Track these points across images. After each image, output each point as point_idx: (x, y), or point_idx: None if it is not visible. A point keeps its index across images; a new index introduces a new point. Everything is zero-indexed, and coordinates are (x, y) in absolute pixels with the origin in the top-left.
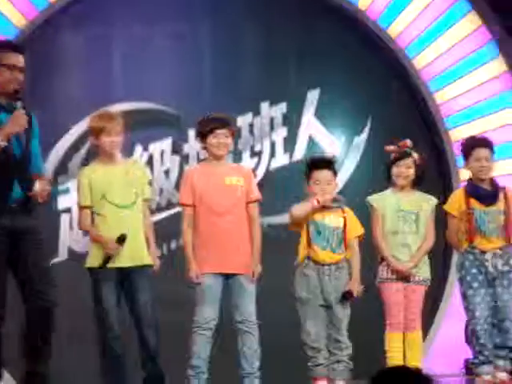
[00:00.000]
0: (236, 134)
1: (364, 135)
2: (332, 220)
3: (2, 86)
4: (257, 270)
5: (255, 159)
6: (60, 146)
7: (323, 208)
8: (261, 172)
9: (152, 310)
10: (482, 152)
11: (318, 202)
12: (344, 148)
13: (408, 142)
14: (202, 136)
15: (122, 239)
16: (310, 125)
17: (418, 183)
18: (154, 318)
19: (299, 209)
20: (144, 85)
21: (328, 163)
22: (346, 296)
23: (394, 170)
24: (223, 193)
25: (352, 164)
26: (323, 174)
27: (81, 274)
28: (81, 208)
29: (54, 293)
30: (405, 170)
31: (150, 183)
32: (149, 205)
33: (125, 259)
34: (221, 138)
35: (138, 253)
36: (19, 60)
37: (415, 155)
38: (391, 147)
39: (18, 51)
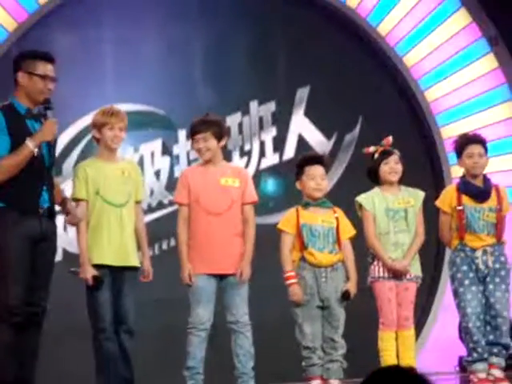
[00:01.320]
0: (226, 133)
1: (355, 133)
2: (325, 221)
3: (34, 95)
4: (246, 272)
5: (245, 159)
6: None
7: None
8: (251, 171)
9: (133, 315)
10: (475, 148)
11: None
12: (335, 146)
13: (390, 139)
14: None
15: (98, 281)
16: (300, 123)
17: (402, 179)
18: (132, 323)
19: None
20: (134, 86)
21: (321, 160)
22: (344, 296)
23: (385, 167)
24: (218, 193)
25: (343, 162)
26: (318, 170)
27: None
28: (75, 200)
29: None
30: (395, 165)
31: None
32: (141, 207)
33: (113, 258)
34: (199, 143)
35: (126, 253)
36: (51, 69)
37: (397, 151)
38: (371, 148)
39: (49, 60)
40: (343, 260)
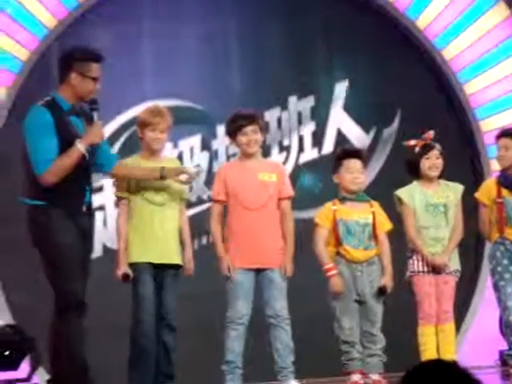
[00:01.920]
0: (265, 129)
1: (393, 127)
2: (361, 216)
3: (83, 95)
4: (289, 267)
5: (284, 154)
6: None
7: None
8: (289, 166)
9: (174, 311)
10: (500, 141)
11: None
12: (374, 141)
13: (431, 133)
14: (231, 134)
15: (128, 278)
16: (339, 118)
17: (442, 174)
18: (173, 319)
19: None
20: (172, 82)
21: (359, 153)
22: (381, 291)
23: (425, 162)
24: (256, 189)
25: (382, 156)
26: (355, 163)
27: (115, 270)
28: (118, 199)
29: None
30: (436, 160)
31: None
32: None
33: (155, 256)
34: (250, 135)
35: (169, 251)
36: (100, 69)
37: (439, 146)
38: (412, 142)
39: (100, 61)
40: (380, 254)
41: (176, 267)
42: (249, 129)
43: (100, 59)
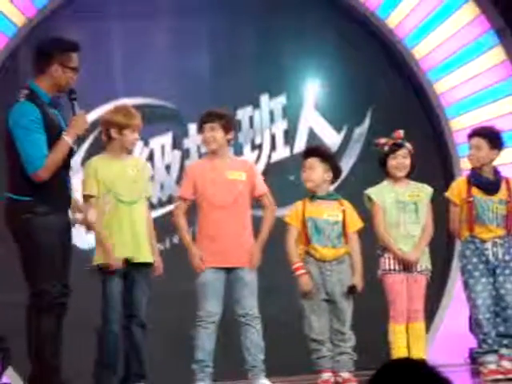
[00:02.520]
0: (234, 127)
1: (364, 126)
2: (331, 215)
3: (63, 86)
4: (256, 256)
5: (256, 152)
6: None
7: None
8: (261, 165)
9: (145, 309)
10: (472, 140)
11: None
12: (345, 140)
13: (401, 132)
14: (199, 132)
15: (127, 261)
16: (310, 117)
17: (411, 173)
18: (144, 316)
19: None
20: (143, 80)
21: (314, 151)
22: (351, 290)
23: (392, 161)
24: (225, 187)
25: (353, 155)
26: (308, 162)
27: (85, 270)
28: (85, 197)
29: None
30: (403, 160)
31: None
32: (148, 203)
33: (126, 254)
34: (207, 133)
35: (140, 249)
36: (78, 60)
37: (408, 145)
38: (382, 140)
39: (78, 50)
40: (350, 253)
41: (147, 265)
42: (206, 126)
43: (78, 48)
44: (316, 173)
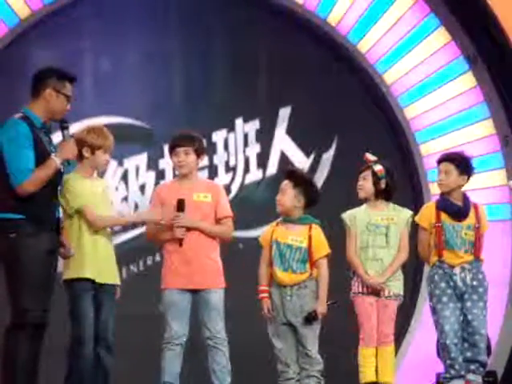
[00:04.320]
0: (206, 151)
1: (330, 152)
2: (294, 239)
3: (56, 113)
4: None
5: (230, 174)
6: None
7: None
8: (235, 186)
9: (113, 331)
10: (441, 166)
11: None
12: (313, 164)
13: (368, 155)
14: (170, 154)
15: (181, 204)
16: (282, 141)
17: (388, 196)
18: (111, 339)
19: None
20: (120, 100)
21: (289, 175)
22: (310, 317)
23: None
24: (191, 209)
25: (320, 179)
26: (282, 184)
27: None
28: (76, 212)
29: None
30: (362, 181)
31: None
32: None
33: (97, 274)
34: (180, 157)
35: (111, 269)
36: (72, 91)
37: (376, 167)
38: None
39: (73, 81)
40: (316, 279)
41: (113, 287)
42: (180, 150)
43: (74, 80)
44: (286, 197)
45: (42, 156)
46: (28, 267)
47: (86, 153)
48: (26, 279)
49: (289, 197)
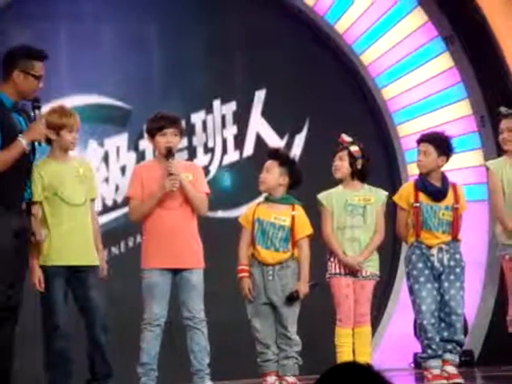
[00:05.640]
0: (185, 133)
1: (303, 134)
2: (277, 218)
3: (26, 93)
4: None
5: (209, 155)
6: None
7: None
8: (214, 167)
9: (104, 311)
10: (421, 146)
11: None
12: (287, 146)
13: (344, 135)
14: (151, 134)
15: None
16: (258, 123)
17: (363, 177)
18: (105, 319)
19: None
20: (96, 81)
21: (274, 154)
22: (292, 297)
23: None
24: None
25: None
26: (267, 163)
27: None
28: (31, 203)
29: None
30: (337, 162)
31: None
32: (95, 205)
33: (75, 257)
34: (169, 137)
35: (89, 252)
36: (43, 68)
37: (352, 148)
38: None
39: (43, 59)
40: (297, 258)
41: (95, 268)
42: (169, 131)
43: (44, 58)
44: (271, 175)
45: (10, 137)
46: None
47: (52, 135)
48: None
49: (274, 175)
